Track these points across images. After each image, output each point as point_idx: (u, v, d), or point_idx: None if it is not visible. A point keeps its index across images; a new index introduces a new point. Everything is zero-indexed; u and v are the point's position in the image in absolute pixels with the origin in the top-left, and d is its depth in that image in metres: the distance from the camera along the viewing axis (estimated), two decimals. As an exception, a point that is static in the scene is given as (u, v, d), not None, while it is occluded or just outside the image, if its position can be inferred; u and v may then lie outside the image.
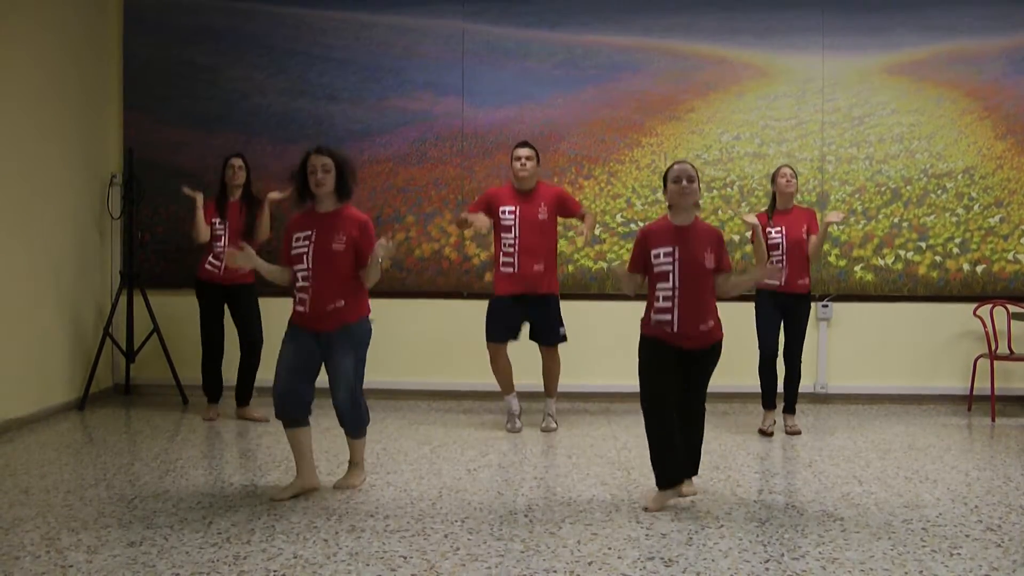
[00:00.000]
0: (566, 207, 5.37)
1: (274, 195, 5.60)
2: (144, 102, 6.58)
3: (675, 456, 3.76)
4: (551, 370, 5.42)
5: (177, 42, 6.59)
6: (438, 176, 6.52)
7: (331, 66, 6.58)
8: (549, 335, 5.31)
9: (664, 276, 3.74)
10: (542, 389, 5.52)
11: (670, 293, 3.73)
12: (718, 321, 3.83)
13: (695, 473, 3.97)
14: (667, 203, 3.87)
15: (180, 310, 6.21)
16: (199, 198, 5.58)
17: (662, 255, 3.74)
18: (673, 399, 3.75)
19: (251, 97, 6.58)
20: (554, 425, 5.41)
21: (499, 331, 5.29)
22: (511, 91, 6.53)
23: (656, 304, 3.76)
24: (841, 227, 6.38)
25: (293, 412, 3.89)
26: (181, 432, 5.31)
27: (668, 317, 3.73)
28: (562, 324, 5.34)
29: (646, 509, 3.74)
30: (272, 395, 3.91)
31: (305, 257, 3.84)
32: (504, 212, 5.24)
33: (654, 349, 3.77)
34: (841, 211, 5.84)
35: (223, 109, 6.57)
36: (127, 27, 6.59)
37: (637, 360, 3.83)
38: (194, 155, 6.48)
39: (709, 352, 3.81)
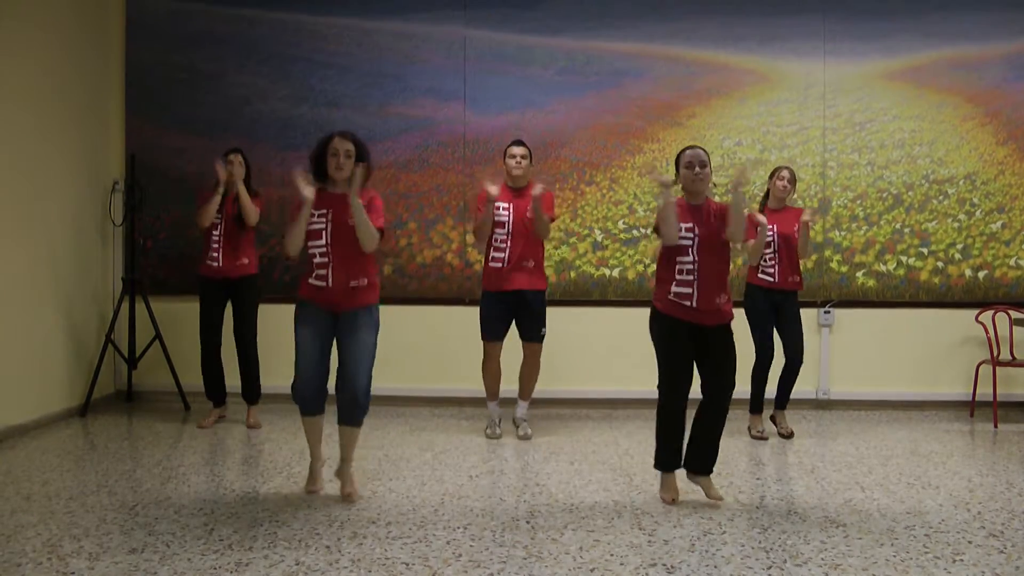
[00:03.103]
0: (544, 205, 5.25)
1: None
2: (146, 108, 6.59)
3: (679, 437, 3.92)
4: (530, 370, 5.41)
5: (179, 48, 6.60)
6: (440, 182, 6.53)
7: (333, 72, 6.59)
8: (532, 330, 5.31)
9: (684, 250, 3.81)
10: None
11: (691, 267, 3.80)
12: (730, 298, 3.91)
13: (710, 470, 3.97)
14: (681, 188, 3.92)
15: (182, 316, 6.22)
16: (222, 186, 5.46)
17: (683, 229, 3.82)
18: (689, 375, 3.86)
19: (253, 103, 6.59)
20: (530, 432, 5.37)
21: (493, 327, 5.30)
22: (513, 97, 6.53)
23: (677, 278, 3.82)
24: (843, 232, 6.38)
25: (317, 400, 3.96)
26: (183, 438, 5.31)
27: (688, 291, 3.80)
28: (544, 324, 5.34)
29: (663, 500, 3.90)
30: (293, 385, 3.93)
31: (323, 233, 3.87)
32: (499, 208, 5.25)
33: (670, 326, 3.86)
34: (811, 207, 5.90)
35: (225, 115, 6.58)
36: (129, 33, 6.61)
37: (650, 334, 3.94)
38: (196, 161, 6.47)
39: (723, 329, 3.88)
